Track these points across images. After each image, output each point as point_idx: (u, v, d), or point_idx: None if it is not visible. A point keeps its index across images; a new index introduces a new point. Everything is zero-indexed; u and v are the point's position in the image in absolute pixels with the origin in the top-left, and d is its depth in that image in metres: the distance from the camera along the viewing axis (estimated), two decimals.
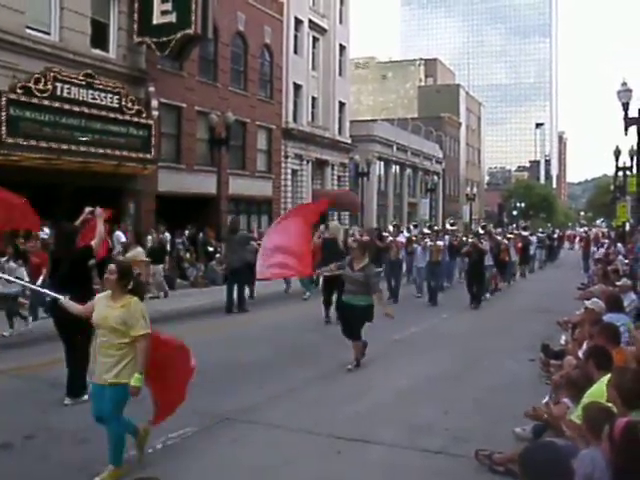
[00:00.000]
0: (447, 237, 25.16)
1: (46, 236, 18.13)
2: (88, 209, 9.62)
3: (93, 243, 8.84)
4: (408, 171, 60.25)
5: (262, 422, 7.33)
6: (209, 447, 6.86)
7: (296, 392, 9.19)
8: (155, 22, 24.01)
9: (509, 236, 28.30)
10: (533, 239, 34.20)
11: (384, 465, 6.56)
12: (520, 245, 29.11)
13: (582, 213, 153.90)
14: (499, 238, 25.13)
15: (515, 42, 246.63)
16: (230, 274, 18.20)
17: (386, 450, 6.95)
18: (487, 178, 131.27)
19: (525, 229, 34.05)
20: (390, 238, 21.57)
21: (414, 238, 23.35)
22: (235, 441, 6.99)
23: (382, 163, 53.90)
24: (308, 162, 40.07)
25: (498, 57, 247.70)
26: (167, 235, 23.39)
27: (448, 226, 23.23)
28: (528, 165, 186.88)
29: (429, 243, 20.85)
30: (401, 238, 22.87)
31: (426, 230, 24.79)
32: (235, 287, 17.64)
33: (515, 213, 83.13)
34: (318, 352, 12.25)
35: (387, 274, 20.86)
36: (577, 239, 65.93)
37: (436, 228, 27.79)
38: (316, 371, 10.52)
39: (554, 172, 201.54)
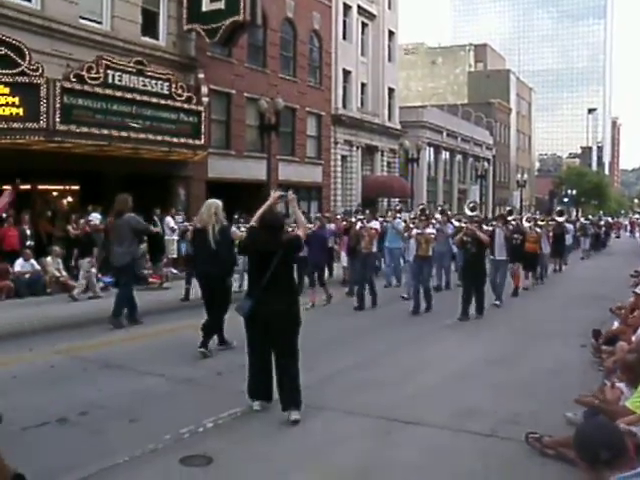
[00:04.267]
0: (450, 225, 19.80)
1: (97, 220, 18.42)
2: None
3: None
4: (458, 157, 59.81)
5: (311, 404, 7.36)
6: (259, 427, 6.92)
7: (345, 374, 9.22)
8: (204, 9, 24.17)
9: (540, 223, 23.65)
10: (569, 227, 30.77)
11: (433, 447, 6.55)
12: (552, 234, 24.93)
13: (636, 200, 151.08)
14: (527, 225, 20.72)
15: (567, 25, 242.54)
16: (114, 274, 14.70)
17: (435, 432, 6.94)
18: (538, 165, 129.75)
19: (560, 214, 28.35)
20: (359, 224, 16.96)
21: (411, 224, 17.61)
22: (284, 422, 7.04)
23: (432, 149, 53.56)
24: (358, 148, 39.99)
25: (549, 41, 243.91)
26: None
27: (467, 211, 18.14)
28: (580, 152, 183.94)
29: (415, 231, 15.77)
30: (374, 224, 17.83)
31: (437, 215, 21.07)
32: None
33: (566, 200, 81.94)
34: (365, 336, 12.30)
35: (358, 272, 16.55)
36: (622, 227, 65.14)
37: (441, 210, 23.31)
38: (364, 354, 10.55)
39: (607, 159, 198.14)
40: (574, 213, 53.65)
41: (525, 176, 64.78)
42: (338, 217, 24.56)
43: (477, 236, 14.75)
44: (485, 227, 17.45)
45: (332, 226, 21.42)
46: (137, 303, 13.35)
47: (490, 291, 16.12)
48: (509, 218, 19.79)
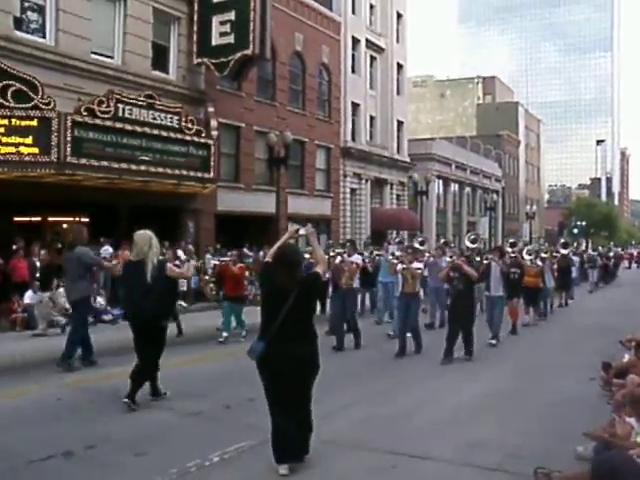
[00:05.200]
0: (445, 258, 17.04)
1: (108, 255, 18.48)
2: None
3: None
4: (467, 189, 59.87)
5: (317, 437, 7.32)
6: (266, 462, 6.88)
7: (350, 408, 9.16)
8: (214, 43, 24.45)
9: (543, 255, 22.84)
10: (575, 259, 29.76)
11: None
12: (557, 267, 24.19)
13: None
14: (528, 257, 19.76)
15: (574, 58, 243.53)
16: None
17: (442, 466, 6.89)
18: (547, 196, 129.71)
19: (565, 246, 27.44)
20: (338, 258, 15.99)
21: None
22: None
23: (441, 181, 53.64)
24: (367, 181, 40.10)
25: (557, 73, 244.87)
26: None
27: (468, 243, 16.82)
28: (589, 183, 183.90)
29: (399, 267, 14.44)
30: (355, 258, 16.49)
31: (417, 245, 18.75)
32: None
33: (576, 231, 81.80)
34: (372, 369, 12.26)
35: (337, 309, 15.33)
36: (633, 258, 64.73)
37: (442, 243, 21.51)
38: (370, 388, 10.49)
39: (616, 189, 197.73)
40: (584, 244, 53.42)
41: (534, 208, 64.77)
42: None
43: (464, 271, 13.54)
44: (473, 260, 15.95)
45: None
46: (92, 343, 12.31)
47: (478, 330, 14.44)
48: (512, 249, 18.97)
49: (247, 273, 21.43)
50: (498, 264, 15.86)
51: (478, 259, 15.89)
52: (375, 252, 21.93)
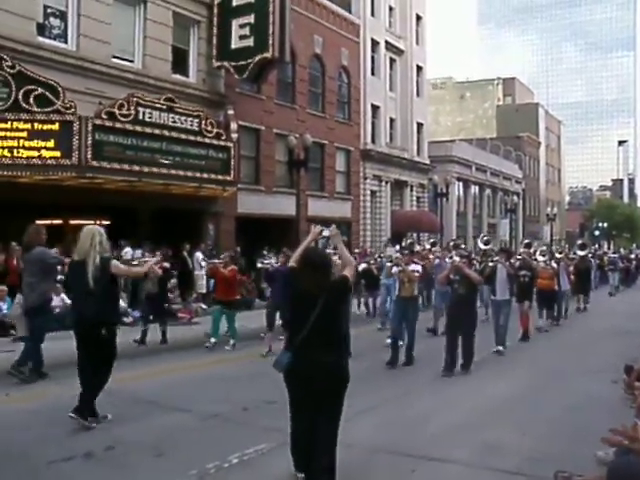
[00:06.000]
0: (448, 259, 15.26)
1: (129, 257, 18.59)
2: None
3: None
4: (487, 191, 59.64)
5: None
6: (285, 464, 6.88)
7: (371, 412, 9.15)
8: (234, 46, 24.57)
9: (558, 256, 21.47)
10: (593, 262, 28.59)
11: None
12: (573, 269, 23.11)
13: None
14: (542, 259, 19.33)
15: (596, 57, 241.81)
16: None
17: (461, 469, 6.88)
18: (568, 198, 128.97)
19: (582, 247, 26.15)
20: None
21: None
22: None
23: (461, 183, 53.51)
24: (387, 183, 40.08)
25: (578, 74, 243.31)
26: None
27: (481, 245, 16.62)
28: (611, 184, 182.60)
29: (394, 269, 13.75)
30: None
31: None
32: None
33: (597, 233, 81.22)
34: (391, 372, 12.23)
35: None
36: None
37: (448, 245, 20.50)
38: (391, 391, 10.48)
39: (639, 190, 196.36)
40: (605, 246, 53.02)
41: (555, 210, 64.41)
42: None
43: (466, 274, 12.48)
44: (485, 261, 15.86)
45: None
46: (43, 357, 11.25)
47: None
48: (530, 251, 18.40)
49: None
50: (505, 266, 15.01)
51: (491, 263, 15.37)
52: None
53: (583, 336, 17.76)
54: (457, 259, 13.19)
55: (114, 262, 8.61)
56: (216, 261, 16.81)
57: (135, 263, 15.05)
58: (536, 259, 19.08)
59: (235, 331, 15.08)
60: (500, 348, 14.34)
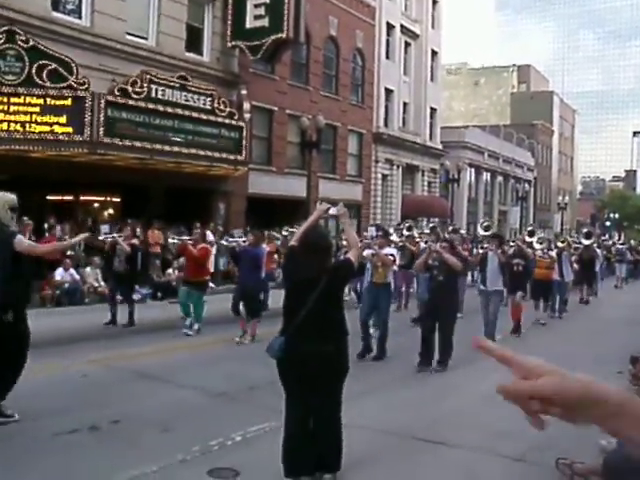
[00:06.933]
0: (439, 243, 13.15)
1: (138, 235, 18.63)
2: None
3: None
4: (499, 178, 59.43)
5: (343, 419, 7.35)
6: None
7: (377, 393, 9.18)
8: (248, 26, 24.48)
9: (559, 245, 20.12)
10: (598, 252, 26.55)
11: (463, 468, 6.51)
12: (576, 258, 21.60)
13: None
14: (539, 247, 18.13)
15: (613, 46, 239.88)
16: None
17: (466, 454, 6.90)
18: (580, 187, 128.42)
19: (588, 236, 24.40)
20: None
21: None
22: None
23: (473, 170, 53.29)
24: (398, 167, 39.98)
25: (594, 62, 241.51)
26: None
27: (481, 231, 15.71)
28: (624, 175, 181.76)
29: (367, 252, 11.82)
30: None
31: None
32: None
33: (608, 224, 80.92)
34: (399, 354, 12.20)
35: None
36: None
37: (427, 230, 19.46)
38: (398, 373, 10.49)
39: None
40: (616, 237, 52.78)
41: (566, 199, 64.17)
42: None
43: (445, 259, 11.27)
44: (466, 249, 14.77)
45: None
46: None
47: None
48: (533, 239, 17.64)
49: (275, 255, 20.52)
50: (496, 254, 13.76)
51: (481, 250, 14.50)
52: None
53: (586, 327, 17.47)
54: (432, 244, 12.27)
55: (18, 237, 7.38)
56: (185, 238, 15.39)
57: (101, 238, 14.83)
58: (532, 247, 18.02)
59: (201, 316, 14.05)
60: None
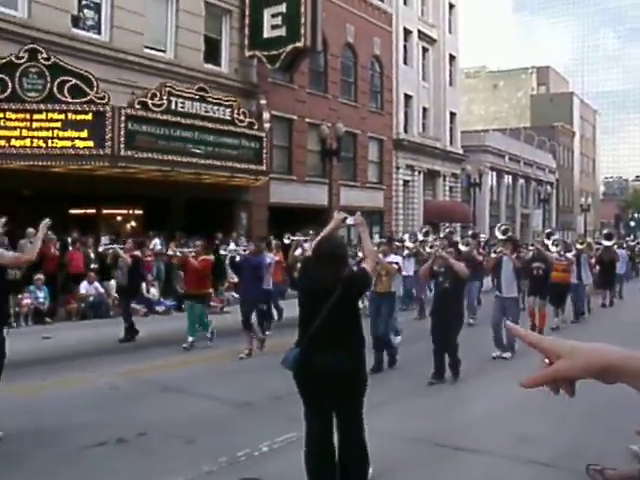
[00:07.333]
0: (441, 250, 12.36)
1: (160, 247, 18.73)
2: None
3: None
4: (521, 181, 59.13)
5: (366, 429, 7.33)
6: None
7: (402, 401, 9.15)
8: (265, 36, 24.62)
9: (578, 246, 19.09)
10: (622, 252, 25.53)
11: (490, 475, 6.47)
12: (595, 261, 21.03)
13: None
14: (555, 249, 16.75)
15: (635, 44, 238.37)
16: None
17: (493, 460, 6.85)
18: (603, 188, 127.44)
19: (608, 237, 22.90)
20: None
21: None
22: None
23: (494, 173, 53.05)
24: (419, 173, 39.90)
25: (615, 61, 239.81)
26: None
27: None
28: None
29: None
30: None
31: (421, 236, 17.73)
32: None
33: (633, 224, 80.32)
34: (416, 363, 12.14)
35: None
36: None
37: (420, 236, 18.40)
38: (415, 381, 10.45)
39: None
40: None
41: (589, 200, 63.81)
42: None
43: (451, 265, 10.85)
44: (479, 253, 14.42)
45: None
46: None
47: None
48: (549, 241, 16.89)
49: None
50: (511, 259, 13.00)
51: (494, 254, 13.94)
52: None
53: (610, 331, 17.13)
54: (438, 249, 11.75)
55: None
56: (186, 250, 15.05)
57: (100, 250, 14.72)
58: (548, 249, 16.98)
59: (207, 324, 13.93)
60: (506, 355, 12.41)
